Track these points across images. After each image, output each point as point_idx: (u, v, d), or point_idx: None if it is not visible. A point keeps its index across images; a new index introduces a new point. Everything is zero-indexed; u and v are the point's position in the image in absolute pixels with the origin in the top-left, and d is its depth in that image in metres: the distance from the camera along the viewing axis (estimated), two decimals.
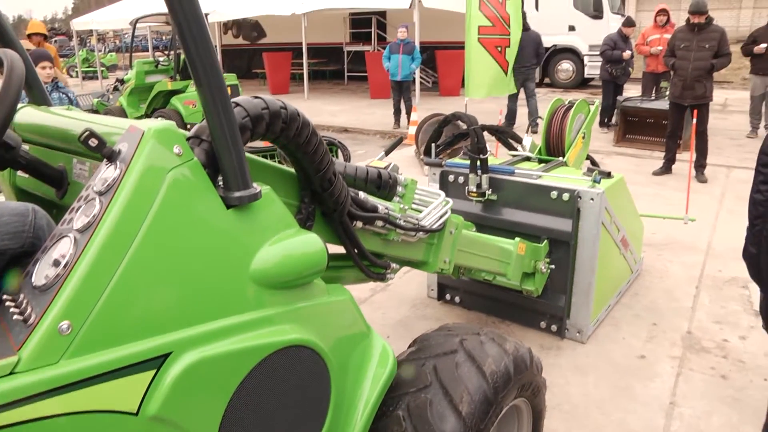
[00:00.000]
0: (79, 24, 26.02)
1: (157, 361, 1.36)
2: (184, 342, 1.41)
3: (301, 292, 1.74)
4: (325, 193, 1.95)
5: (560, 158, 4.82)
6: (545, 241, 4.12)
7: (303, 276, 1.70)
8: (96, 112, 13.56)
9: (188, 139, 1.57)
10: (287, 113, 1.70)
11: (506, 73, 10.48)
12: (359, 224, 2.21)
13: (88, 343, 1.27)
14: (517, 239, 3.80)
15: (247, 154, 1.77)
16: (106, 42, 41.95)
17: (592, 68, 17.87)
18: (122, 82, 13.62)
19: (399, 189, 2.55)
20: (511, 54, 10.41)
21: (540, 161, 4.85)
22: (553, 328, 4.32)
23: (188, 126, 12.28)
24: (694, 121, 6.68)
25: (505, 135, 5.17)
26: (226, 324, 1.51)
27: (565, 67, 18.75)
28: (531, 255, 4.02)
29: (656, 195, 7.65)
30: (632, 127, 10.53)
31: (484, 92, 10.18)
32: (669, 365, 3.91)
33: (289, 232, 1.68)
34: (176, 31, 1.37)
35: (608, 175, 4.29)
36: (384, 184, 2.47)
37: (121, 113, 13.02)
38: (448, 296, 4.89)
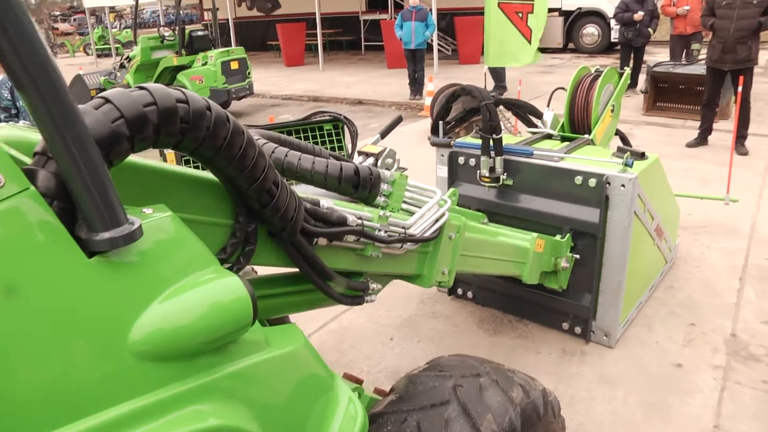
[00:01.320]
0: (90, 0, 25.56)
1: None
2: None
3: (222, 355, 1.26)
4: (266, 210, 1.47)
5: (586, 136, 4.26)
6: (568, 234, 3.60)
7: (214, 340, 1.21)
8: (103, 90, 13.19)
9: (34, 155, 1.08)
10: (189, 109, 1.20)
11: (529, 42, 9.88)
12: (323, 241, 1.72)
13: None
14: (535, 234, 3.28)
15: (142, 162, 1.29)
16: (123, 19, 41.57)
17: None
18: (129, 59, 13.19)
19: (384, 187, 2.06)
20: (534, 21, 9.78)
21: (563, 139, 4.29)
22: (577, 330, 3.82)
23: None
24: (739, 89, 5.99)
25: (523, 110, 4.61)
26: (96, 423, 1.03)
27: (590, 31, 17.85)
28: (551, 251, 3.51)
29: (690, 169, 7.03)
30: (663, 94, 9.80)
31: (503, 61, 9.66)
32: (711, 376, 3.40)
33: (194, 277, 1.19)
34: None
35: (642, 156, 3.73)
36: (363, 183, 1.97)
37: None
38: (460, 291, 4.40)
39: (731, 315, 4.00)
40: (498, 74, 12.07)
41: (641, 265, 3.93)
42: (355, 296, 1.98)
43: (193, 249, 1.24)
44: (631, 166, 3.42)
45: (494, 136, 3.63)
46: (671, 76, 9.43)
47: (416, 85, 12.73)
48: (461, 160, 4.03)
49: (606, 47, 17.82)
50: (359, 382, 2.52)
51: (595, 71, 4.76)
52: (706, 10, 7.52)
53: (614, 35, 17.20)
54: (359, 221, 1.80)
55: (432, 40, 13.97)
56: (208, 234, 1.40)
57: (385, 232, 1.92)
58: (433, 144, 4.20)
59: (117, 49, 25.59)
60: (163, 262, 1.16)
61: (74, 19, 43.34)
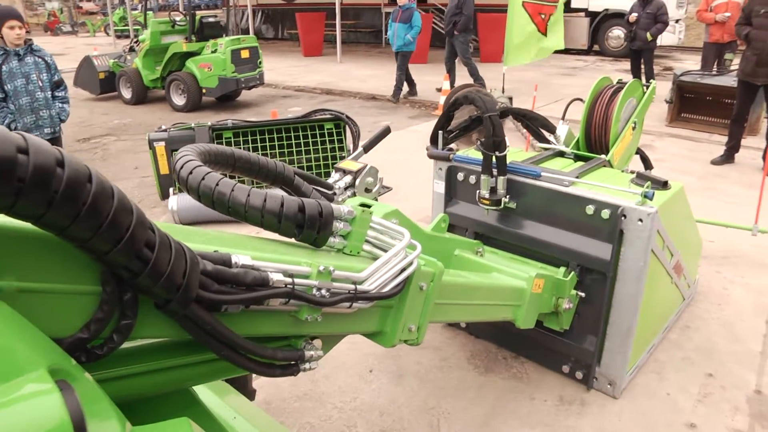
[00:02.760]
0: None
1: None
2: None
3: None
4: (140, 279, 1.07)
5: (602, 156, 3.80)
6: (572, 273, 3.17)
7: None
8: (112, 73, 12.89)
9: None
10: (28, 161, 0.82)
11: (545, 35, 9.52)
12: (236, 307, 1.32)
13: None
14: (533, 273, 2.85)
15: None
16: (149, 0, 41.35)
17: None
18: (139, 42, 12.87)
19: (338, 226, 1.65)
20: (553, 23, 9.44)
21: (577, 158, 3.85)
22: (579, 375, 3.40)
23: (203, 90, 11.51)
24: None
25: (535, 122, 4.15)
26: None
27: (617, 33, 17.23)
28: (551, 291, 3.08)
29: (714, 190, 6.53)
30: (689, 104, 9.27)
31: (523, 59, 9.36)
32: None
33: None
34: None
35: (664, 185, 3.28)
36: (309, 223, 1.56)
37: (137, 75, 12.34)
38: None
39: (756, 366, 3.55)
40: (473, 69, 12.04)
41: (656, 306, 3.51)
42: (287, 366, 1.57)
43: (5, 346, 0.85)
44: (651, 199, 2.97)
45: (497, 153, 3.21)
46: (698, 86, 8.88)
47: (397, 88, 12.23)
48: (460, 176, 3.62)
49: None
50: None
51: (618, 83, 4.31)
52: (742, 18, 6.97)
53: None
54: (288, 280, 1.39)
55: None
56: (68, 306, 1.06)
57: (327, 290, 1.50)
58: (431, 156, 3.79)
59: (136, 30, 25.35)
60: None
61: None
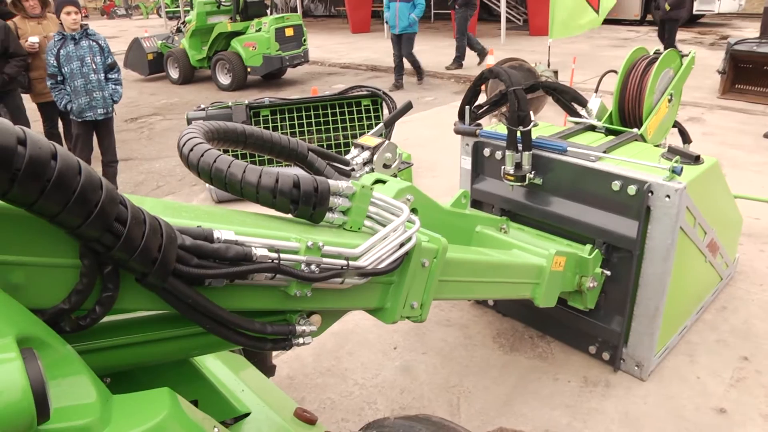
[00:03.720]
0: None
1: None
2: None
3: None
4: (113, 253, 1.10)
5: (635, 130, 3.67)
6: (596, 250, 3.08)
7: None
8: (160, 54, 13.14)
9: None
10: None
11: (597, 11, 9.23)
12: (220, 281, 1.33)
13: None
14: (552, 251, 2.78)
15: None
16: None
17: (703, 3, 15.77)
18: (185, 23, 13.06)
19: (337, 201, 1.65)
20: None
21: (608, 132, 3.73)
22: (605, 356, 3.32)
23: (248, 69, 11.61)
24: None
25: (566, 95, 4.02)
26: None
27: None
28: (574, 269, 3.01)
29: (764, 164, 6.24)
30: (744, 75, 8.84)
31: (569, 31, 9.12)
32: (762, 430, 2.85)
33: None
34: None
35: (696, 159, 3.15)
36: (304, 198, 1.57)
37: (184, 55, 12.55)
38: None
39: None
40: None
41: (688, 286, 3.39)
42: (278, 340, 1.58)
43: None
44: (679, 174, 2.84)
45: (522, 128, 3.13)
46: (754, 55, 8.45)
47: (398, 73, 11.56)
48: (487, 151, 3.56)
49: (687, 20, 16.51)
50: (311, 422, 2.14)
51: (654, 53, 4.13)
52: None
53: (697, 6, 15.99)
54: (274, 255, 1.39)
55: (499, 6, 13.16)
56: (48, 279, 1.11)
57: (317, 266, 1.50)
58: (457, 132, 3.73)
59: (186, 12, 25.70)
60: None
61: None
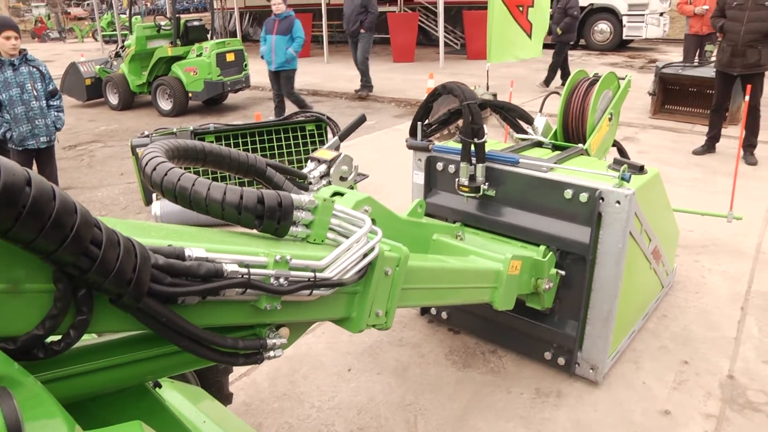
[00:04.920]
0: None
1: None
2: None
3: None
4: (89, 276, 1.11)
5: (579, 145, 3.87)
6: (550, 253, 3.20)
7: None
8: (99, 79, 12.86)
9: None
10: None
11: (530, 36, 9.56)
12: (193, 299, 1.35)
13: None
14: (509, 255, 2.88)
15: None
16: (138, 4, 41.24)
17: (631, 29, 16.51)
18: (125, 47, 12.85)
19: (300, 215, 1.68)
20: (535, 15, 9.47)
21: (554, 148, 3.90)
22: (560, 361, 3.42)
23: (189, 94, 11.51)
24: (746, 98, 5.49)
25: (513, 113, 4.17)
26: None
27: (602, 28, 17.30)
28: (530, 272, 3.11)
29: (695, 180, 6.58)
30: (672, 96, 9.33)
31: (505, 56, 9.39)
32: (702, 428, 3.00)
33: None
34: None
35: (640, 169, 3.32)
36: (269, 213, 1.60)
37: (123, 81, 12.33)
38: (433, 311, 4.01)
39: (730, 352, 3.59)
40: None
41: (636, 291, 3.54)
42: (250, 354, 1.61)
43: None
44: (628, 181, 3.00)
45: (476, 140, 3.23)
46: (681, 78, 8.94)
47: (279, 114, 10.18)
48: (440, 166, 3.64)
49: (618, 44, 17.29)
50: None
51: (594, 76, 4.35)
52: (717, 11, 7.03)
53: (627, 32, 16.78)
54: (244, 270, 1.42)
55: (437, 31, 13.33)
56: (21, 305, 1.09)
57: (285, 279, 1.53)
58: (410, 147, 3.81)
59: (123, 36, 25.26)
60: None
61: (87, 4, 43.10)
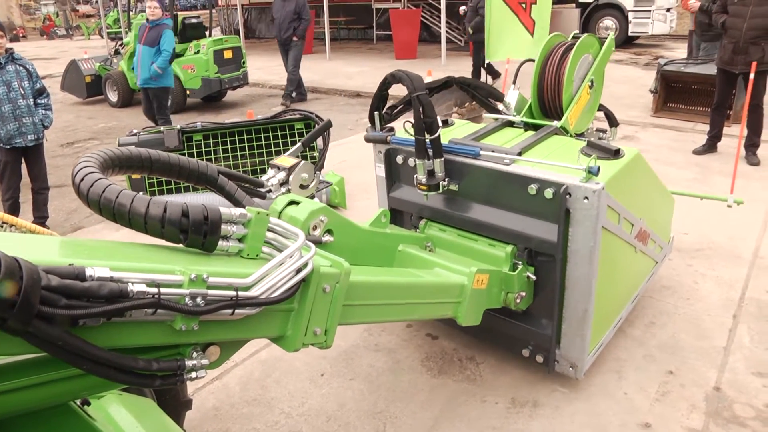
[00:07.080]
0: None
1: None
2: None
3: None
4: None
5: (554, 123, 3.59)
6: (519, 267, 3.03)
7: None
8: (98, 76, 12.81)
9: None
10: None
11: (532, 35, 9.38)
12: (95, 320, 1.24)
13: None
14: (473, 269, 2.73)
15: None
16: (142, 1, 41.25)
17: (638, 25, 16.26)
18: (123, 45, 12.79)
19: (230, 229, 1.57)
20: (538, 12, 9.27)
21: (527, 127, 3.64)
22: (539, 358, 3.25)
23: (187, 91, 11.43)
24: (748, 95, 5.28)
25: (481, 91, 3.94)
26: None
27: (608, 24, 17.05)
28: (499, 286, 2.97)
29: (695, 180, 6.40)
30: (675, 94, 9.11)
31: (504, 54, 9.20)
32: None
33: None
34: None
35: (616, 153, 3.09)
36: (194, 228, 1.49)
37: (123, 78, 12.26)
38: None
39: (718, 363, 3.43)
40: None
41: (619, 282, 3.38)
42: (168, 376, 1.49)
43: None
44: (596, 174, 2.75)
45: (428, 136, 3.01)
46: (683, 75, 8.73)
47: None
48: (399, 159, 3.47)
49: (624, 41, 17.05)
50: None
51: (571, 39, 3.96)
52: (719, 6, 6.79)
53: (633, 28, 16.53)
54: (154, 290, 1.31)
55: (439, 27, 13.10)
56: None
57: (203, 298, 1.42)
58: (367, 140, 3.58)
59: (128, 32, 25.25)
60: None
61: (96, 1, 43.20)
